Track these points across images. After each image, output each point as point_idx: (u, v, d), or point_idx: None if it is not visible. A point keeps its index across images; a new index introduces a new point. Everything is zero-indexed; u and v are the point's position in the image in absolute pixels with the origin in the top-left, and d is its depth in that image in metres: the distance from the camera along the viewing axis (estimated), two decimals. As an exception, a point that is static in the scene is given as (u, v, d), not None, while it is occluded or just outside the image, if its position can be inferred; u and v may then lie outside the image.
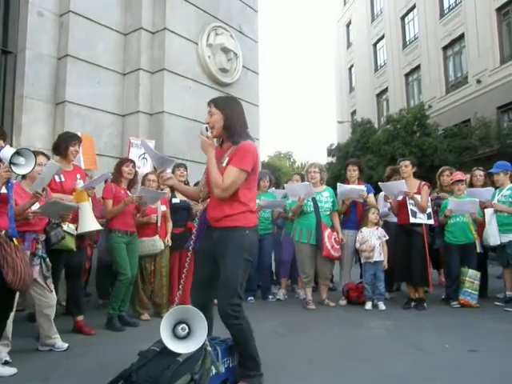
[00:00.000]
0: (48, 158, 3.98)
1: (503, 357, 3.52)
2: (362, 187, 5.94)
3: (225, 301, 2.69)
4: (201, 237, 3.07)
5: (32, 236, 3.54)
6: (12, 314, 3.36)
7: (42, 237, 3.66)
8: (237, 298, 2.70)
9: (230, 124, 2.81)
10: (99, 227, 4.27)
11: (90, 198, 4.24)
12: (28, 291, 4.09)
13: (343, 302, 5.79)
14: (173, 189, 5.40)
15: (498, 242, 5.53)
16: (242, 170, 2.71)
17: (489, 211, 5.60)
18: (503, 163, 5.98)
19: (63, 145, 4.27)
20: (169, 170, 3.22)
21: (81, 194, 4.12)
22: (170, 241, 5.15)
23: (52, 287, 3.69)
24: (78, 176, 4.27)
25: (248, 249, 2.77)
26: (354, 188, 5.88)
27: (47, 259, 3.66)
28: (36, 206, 3.53)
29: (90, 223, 4.17)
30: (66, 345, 3.71)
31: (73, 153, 4.28)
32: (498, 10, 16.50)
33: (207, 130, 2.82)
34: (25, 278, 3.02)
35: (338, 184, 6.08)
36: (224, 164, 2.77)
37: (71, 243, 4.09)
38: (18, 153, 3.04)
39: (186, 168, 5.65)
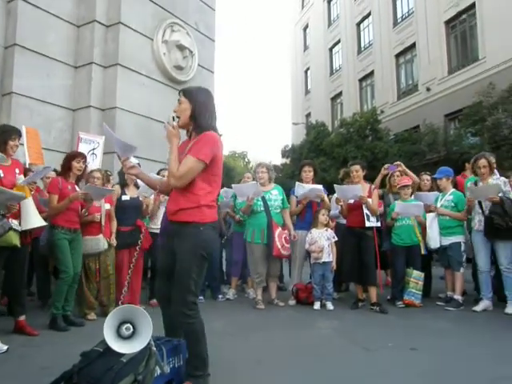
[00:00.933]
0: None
1: (442, 354, 3.66)
2: (320, 187, 6.03)
3: (179, 299, 2.66)
4: (163, 231, 3.04)
5: None
6: None
7: None
8: (191, 295, 2.66)
9: (197, 114, 2.73)
10: (43, 223, 4.12)
11: (31, 193, 4.09)
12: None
13: (292, 301, 5.86)
14: (123, 185, 5.34)
15: (438, 245, 5.78)
16: (199, 159, 2.61)
17: (430, 215, 5.84)
18: (446, 169, 6.22)
19: (2, 138, 4.05)
20: (132, 159, 3.08)
21: (22, 189, 3.95)
22: (114, 240, 5.05)
23: None
24: (17, 171, 4.08)
25: (203, 245, 2.67)
26: (313, 188, 5.95)
27: None
28: None
29: (34, 219, 4.01)
30: (5, 347, 3.57)
31: (12, 147, 4.07)
32: (447, 22, 17.25)
33: (174, 120, 2.74)
34: None
35: (297, 183, 6.11)
36: (185, 153, 2.69)
37: (15, 239, 3.92)
38: None
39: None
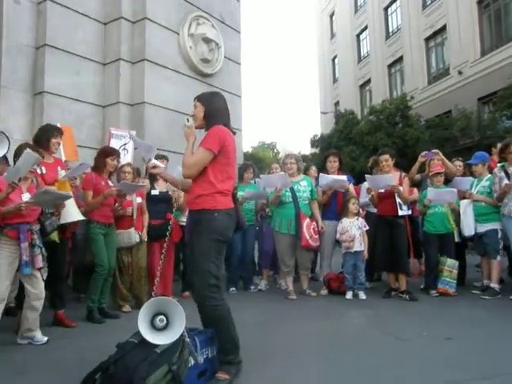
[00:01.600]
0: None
1: (477, 344, 3.60)
2: (344, 177, 5.98)
3: (200, 283, 2.76)
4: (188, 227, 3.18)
5: (26, 227, 3.53)
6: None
7: (37, 227, 3.66)
8: (213, 278, 2.76)
9: (209, 115, 2.98)
10: (82, 217, 4.23)
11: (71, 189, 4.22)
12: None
13: (324, 291, 5.85)
14: (152, 180, 5.42)
15: (473, 233, 5.63)
16: (206, 148, 2.83)
17: (464, 202, 5.69)
18: (481, 154, 6.06)
19: (45, 137, 4.24)
20: (155, 160, 3.31)
21: (63, 184, 4.09)
22: (145, 235, 5.13)
23: (45, 276, 3.70)
24: (59, 168, 4.23)
25: (218, 230, 2.81)
26: (337, 178, 5.91)
27: (43, 249, 3.67)
28: (27, 197, 3.54)
29: (73, 213, 4.12)
30: (45, 338, 3.70)
31: (54, 145, 4.26)
32: (479, 2, 16.66)
33: (188, 121, 3.01)
34: None
35: (321, 174, 6.11)
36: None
37: (54, 235, 4.06)
38: None
39: (167, 159, 5.65)
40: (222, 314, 2.80)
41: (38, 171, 4.06)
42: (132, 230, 4.98)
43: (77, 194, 4.81)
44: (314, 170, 7.11)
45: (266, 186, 5.91)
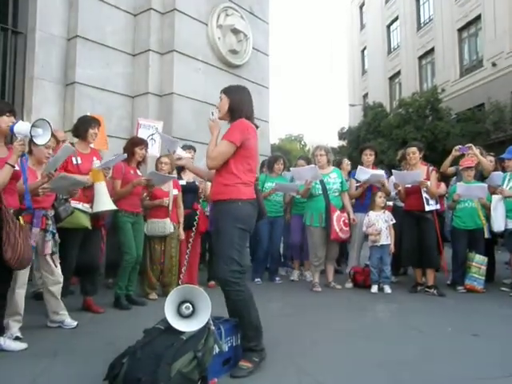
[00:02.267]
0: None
1: (505, 341, 3.53)
2: (382, 172, 5.91)
3: (223, 268, 2.82)
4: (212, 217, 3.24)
5: (41, 213, 3.59)
6: (23, 292, 3.45)
7: (51, 212, 3.72)
8: (236, 264, 2.83)
9: (234, 108, 3.04)
10: (114, 207, 4.29)
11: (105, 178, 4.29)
12: (35, 270, 4.20)
13: (349, 284, 5.83)
14: (179, 171, 5.49)
15: (502, 229, 5.49)
16: (229, 141, 2.90)
17: (496, 197, 5.55)
18: None
19: (83, 127, 4.33)
20: (179, 151, 3.37)
21: (97, 174, 4.17)
22: (182, 233, 5.21)
23: (57, 262, 3.76)
24: (95, 159, 4.31)
25: (241, 219, 2.88)
26: (375, 173, 5.84)
27: (56, 235, 3.73)
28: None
29: (105, 202, 4.20)
30: (75, 322, 3.80)
31: (92, 135, 4.34)
32: (517, -10, 16.11)
33: (213, 114, 3.09)
34: (24, 257, 3.07)
35: (359, 167, 5.99)
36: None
37: (85, 221, 4.14)
38: (34, 125, 3.08)
39: (194, 150, 5.70)
40: (244, 299, 2.85)
41: (74, 161, 4.16)
42: (167, 220, 5.05)
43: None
44: (346, 163, 7.06)
45: (296, 179, 5.88)
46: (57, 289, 3.74)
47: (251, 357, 2.81)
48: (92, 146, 4.72)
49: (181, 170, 5.50)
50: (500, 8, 16.61)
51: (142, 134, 6.11)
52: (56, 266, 3.74)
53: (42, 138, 3.12)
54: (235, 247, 2.84)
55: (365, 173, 5.87)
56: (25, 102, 6.65)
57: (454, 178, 6.33)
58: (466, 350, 3.30)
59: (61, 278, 3.78)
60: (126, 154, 4.71)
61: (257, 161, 3.15)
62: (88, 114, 4.90)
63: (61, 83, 6.98)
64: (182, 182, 5.44)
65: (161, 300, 4.73)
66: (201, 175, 3.42)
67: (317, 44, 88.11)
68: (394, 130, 16.43)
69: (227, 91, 3.12)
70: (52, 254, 3.70)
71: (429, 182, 5.39)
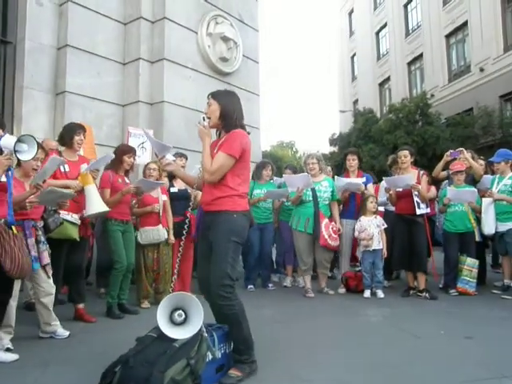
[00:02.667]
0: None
1: (498, 343, 3.55)
2: (359, 181, 5.95)
3: (216, 282, 2.78)
4: (199, 225, 3.17)
5: (30, 223, 3.56)
6: (14, 303, 3.42)
7: (40, 223, 3.69)
8: (228, 279, 2.78)
9: (225, 114, 2.95)
10: (107, 209, 4.24)
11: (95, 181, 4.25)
12: (26, 280, 4.17)
13: (342, 290, 5.84)
14: (171, 178, 5.48)
15: (493, 232, 5.54)
16: (229, 155, 2.83)
17: (486, 200, 5.60)
18: (504, 151, 5.95)
19: (68, 135, 4.31)
20: (169, 156, 3.30)
21: (86, 177, 4.11)
22: (172, 237, 5.19)
23: (50, 273, 3.72)
24: (84, 165, 4.29)
25: (236, 231, 2.84)
26: (352, 182, 5.91)
27: (47, 245, 3.70)
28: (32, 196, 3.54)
29: (97, 205, 4.14)
30: (67, 332, 3.77)
31: (78, 142, 4.32)
32: (503, -3, 16.34)
33: (204, 120, 2.97)
34: (23, 266, 3.05)
35: (336, 177, 6.12)
36: (215, 150, 2.91)
37: (74, 233, 4.13)
38: (19, 140, 3.06)
39: (186, 158, 5.70)
40: (235, 313, 2.81)
41: (62, 169, 4.15)
42: (160, 226, 5.05)
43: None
44: (329, 170, 7.07)
45: (288, 186, 5.88)
46: (49, 300, 3.70)
47: (242, 367, 2.79)
48: (81, 153, 4.72)
49: (172, 177, 5.50)
50: (486, 14, 16.83)
51: (133, 142, 6.11)
52: (49, 277, 3.72)
53: (27, 153, 3.09)
54: (229, 261, 2.79)
55: (341, 181, 5.96)
56: (14, 111, 6.64)
57: (446, 181, 6.39)
58: (459, 353, 3.32)
59: (53, 289, 3.74)
60: (113, 155, 4.68)
61: (250, 169, 3.12)
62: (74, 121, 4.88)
63: (51, 92, 6.98)
64: (174, 190, 5.44)
65: (153, 308, 4.67)
66: (189, 182, 3.30)
67: (307, 51, 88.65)
68: (385, 135, 16.53)
69: (216, 96, 3.01)
70: (46, 265, 3.67)
71: (420, 186, 5.43)
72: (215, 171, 2.84)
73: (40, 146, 3.88)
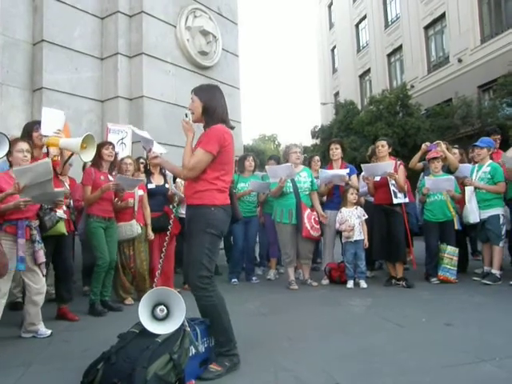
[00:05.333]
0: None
1: (477, 329, 3.62)
2: (344, 172, 5.97)
3: (192, 273, 2.81)
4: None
5: (24, 223, 3.54)
6: (3, 301, 3.44)
7: (35, 223, 3.67)
8: (204, 270, 2.80)
9: (208, 110, 2.97)
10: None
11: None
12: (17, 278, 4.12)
13: (325, 281, 5.88)
14: (149, 174, 5.45)
15: (478, 220, 5.61)
16: (207, 151, 2.85)
17: (469, 189, 5.66)
18: (488, 139, 6.02)
19: (26, 132, 4.20)
20: (156, 149, 3.27)
21: (52, 140, 3.98)
22: (151, 232, 5.16)
23: (44, 272, 3.72)
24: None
25: (213, 224, 2.85)
26: (336, 173, 5.93)
27: (42, 244, 3.68)
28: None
29: (76, 140, 3.94)
30: (49, 331, 3.74)
31: (37, 138, 4.13)
32: (479, -12, 16.52)
33: (186, 116, 2.99)
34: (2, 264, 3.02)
35: (320, 169, 6.13)
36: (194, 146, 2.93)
37: (62, 227, 4.09)
38: None
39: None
40: (213, 304, 2.82)
41: None
42: (134, 221, 5.01)
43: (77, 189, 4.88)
44: (317, 159, 7.09)
45: (271, 177, 5.83)
46: (40, 298, 3.70)
47: (222, 361, 2.79)
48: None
49: (150, 173, 5.47)
50: (463, 6, 17.02)
51: (112, 138, 6.03)
52: (43, 276, 3.69)
53: None
54: (205, 252, 2.81)
55: (325, 173, 5.98)
56: (-10, 108, 6.51)
57: (422, 173, 6.46)
58: (440, 339, 3.37)
59: (45, 288, 3.75)
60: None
61: (233, 163, 3.11)
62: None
63: (28, 89, 6.87)
64: (151, 186, 5.40)
65: (137, 305, 4.64)
66: (176, 173, 3.28)
67: (287, 44, 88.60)
68: (366, 126, 16.64)
69: (198, 92, 3.02)
70: (41, 263, 3.65)
71: (397, 175, 5.48)
72: (193, 167, 2.86)
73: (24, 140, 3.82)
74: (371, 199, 6.05)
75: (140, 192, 5.16)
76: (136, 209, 5.06)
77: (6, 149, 3.08)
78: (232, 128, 3.05)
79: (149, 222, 5.21)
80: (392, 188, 5.43)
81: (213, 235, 2.85)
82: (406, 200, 5.61)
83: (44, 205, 3.79)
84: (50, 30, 6.92)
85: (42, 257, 3.62)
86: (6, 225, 3.49)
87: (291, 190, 5.67)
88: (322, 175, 5.99)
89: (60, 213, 4.09)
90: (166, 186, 5.48)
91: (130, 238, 5.01)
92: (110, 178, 4.82)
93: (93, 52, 7.51)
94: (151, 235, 5.18)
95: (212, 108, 2.97)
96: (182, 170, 2.93)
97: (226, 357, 2.81)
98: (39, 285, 3.68)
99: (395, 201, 5.43)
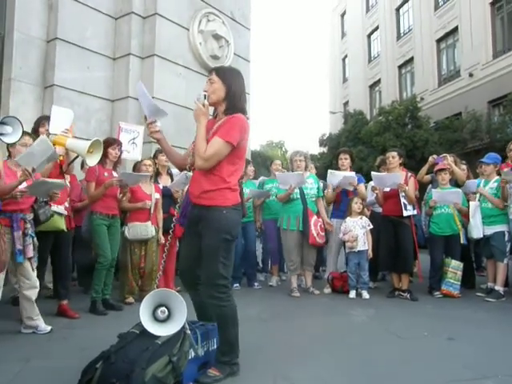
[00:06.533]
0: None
1: (480, 345, 3.58)
2: (353, 174, 5.96)
3: (208, 282, 2.71)
4: (185, 213, 3.02)
5: (19, 216, 3.53)
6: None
7: (30, 216, 3.66)
8: (221, 278, 2.69)
9: (231, 96, 2.73)
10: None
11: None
12: (11, 274, 4.13)
13: (328, 290, 5.84)
14: (156, 174, 5.46)
15: (481, 236, 5.58)
16: (228, 142, 2.62)
17: (473, 204, 5.65)
18: (495, 155, 6.01)
19: (35, 125, 4.24)
20: (158, 123, 3.06)
21: (58, 139, 3.91)
22: (162, 236, 5.16)
23: (35, 266, 3.69)
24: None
25: (227, 229, 2.68)
26: (346, 175, 5.88)
27: (35, 238, 3.66)
28: (23, 185, 3.49)
29: (85, 145, 3.85)
30: (49, 327, 3.73)
31: (43, 133, 4.15)
32: (492, 3, 16.55)
33: (205, 98, 2.71)
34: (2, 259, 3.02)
35: (330, 171, 6.07)
36: (211, 134, 2.70)
37: (61, 224, 4.09)
38: (3, 122, 2.98)
39: None
40: (224, 314, 2.74)
41: None
42: (149, 223, 5.03)
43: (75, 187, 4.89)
44: (278, 163, 7.01)
45: (281, 184, 5.76)
46: (33, 293, 3.68)
47: (222, 367, 2.75)
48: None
49: (158, 173, 5.48)
50: (476, 21, 17.01)
51: (124, 137, 6.05)
52: (33, 270, 3.68)
53: (11, 136, 3.02)
54: (220, 260, 2.67)
55: (335, 176, 5.92)
56: (2, 103, 6.55)
57: (430, 185, 6.44)
58: (441, 354, 3.34)
59: (37, 283, 3.72)
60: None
61: (245, 159, 2.91)
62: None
63: (39, 85, 6.90)
64: (159, 187, 5.41)
65: (138, 304, 4.62)
66: (175, 159, 2.98)
67: (298, 52, 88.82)
68: (374, 137, 16.62)
69: (222, 73, 2.74)
70: (31, 257, 3.63)
71: (407, 187, 5.45)
72: (209, 157, 2.61)
73: (27, 132, 3.85)
74: (378, 210, 6.02)
75: (157, 195, 5.19)
76: (152, 211, 5.08)
77: (19, 134, 3.06)
78: (247, 119, 2.80)
79: (161, 225, 5.22)
80: (402, 200, 5.39)
81: (227, 240, 2.69)
82: (415, 212, 5.58)
83: (39, 198, 3.75)
84: (64, 28, 6.96)
85: (31, 251, 3.57)
86: (1, 217, 3.46)
87: (298, 196, 5.64)
88: (332, 177, 5.95)
89: (60, 209, 4.08)
90: (172, 191, 5.48)
91: (144, 238, 5.01)
92: (115, 174, 4.83)
93: (105, 52, 7.54)
94: (162, 239, 5.17)
95: (237, 93, 2.73)
96: (196, 159, 2.67)
97: (226, 365, 2.76)
98: (30, 279, 3.64)
99: (405, 213, 5.39)
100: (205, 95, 2.70)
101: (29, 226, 3.61)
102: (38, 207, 3.74)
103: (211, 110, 2.83)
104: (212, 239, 2.69)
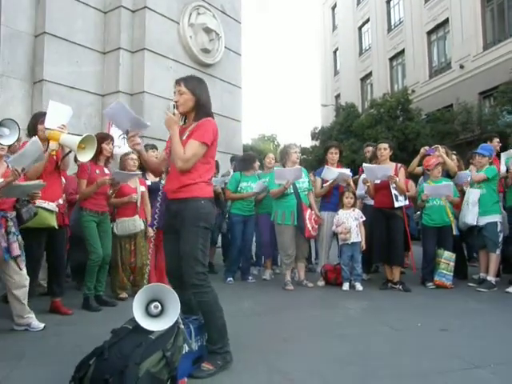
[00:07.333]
0: None
1: (472, 335, 3.61)
2: (348, 171, 6.01)
3: (188, 270, 2.78)
4: (162, 214, 3.13)
5: (0, 214, 3.48)
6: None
7: (12, 214, 3.59)
8: (200, 265, 2.79)
9: (201, 105, 2.96)
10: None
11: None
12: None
13: (321, 283, 5.86)
14: (144, 170, 5.43)
15: (474, 223, 5.58)
16: (203, 143, 2.84)
17: (476, 191, 5.61)
18: (489, 147, 6.01)
19: (31, 124, 4.17)
20: (138, 138, 3.10)
21: (52, 135, 3.82)
22: (150, 230, 5.09)
23: (22, 265, 3.63)
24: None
25: (204, 217, 2.84)
26: (342, 172, 5.93)
27: (19, 236, 3.61)
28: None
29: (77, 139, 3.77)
30: (42, 325, 3.71)
31: (41, 130, 4.15)
32: (482, -5, 16.54)
33: (174, 108, 2.90)
34: None
35: (326, 167, 6.07)
36: (184, 138, 2.89)
37: (52, 221, 4.02)
38: (0, 124, 2.96)
39: (157, 149, 5.65)
40: (207, 301, 2.81)
41: None
42: (137, 217, 5.01)
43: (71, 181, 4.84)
44: (271, 157, 6.92)
45: (278, 179, 5.69)
46: (21, 292, 3.62)
47: (215, 359, 2.77)
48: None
49: (145, 169, 5.45)
50: (466, 12, 17.03)
51: (114, 132, 6.01)
52: (21, 269, 3.62)
53: (8, 138, 3.01)
54: (199, 247, 2.79)
55: (332, 172, 5.94)
56: (-10, 99, 6.48)
57: (422, 177, 6.46)
58: (435, 344, 3.36)
59: (26, 281, 3.65)
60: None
61: (215, 158, 3.16)
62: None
63: (28, 81, 6.84)
64: (147, 182, 5.39)
65: (131, 300, 4.61)
66: (153, 166, 3.26)
67: (290, 44, 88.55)
68: (366, 129, 16.65)
69: (189, 84, 2.94)
70: (16, 256, 3.58)
71: (397, 178, 5.46)
72: (189, 159, 2.81)
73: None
74: (370, 202, 6.03)
75: (142, 188, 5.16)
76: (139, 204, 5.06)
77: (15, 137, 3.04)
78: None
79: (149, 218, 5.19)
80: (393, 191, 5.40)
81: (205, 229, 2.85)
82: (407, 202, 5.61)
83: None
84: (53, 23, 6.89)
85: (16, 249, 3.52)
86: None
87: (291, 190, 5.63)
88: (328, 174, 5.97)
89: (52, 206, 4.03)
90: (162, 182, 5.44)
91: (133, 233, 5.00)
92: (106, 170, 4.79)
93: (95, 46, 7.48)
94: (151, 232, 5.14)
95: (206, 102, 2.98)
96: (176, 161, 2.84)
97: (218, 355, 2.79)
98: (16, 278, 3.58)
99: (396, 204, 5.41)
100: (174, 105, 2.91)
101: (11, 224, 3.54)
102: (21, 206, 3.67)
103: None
104: (191, 227, 2.81)
